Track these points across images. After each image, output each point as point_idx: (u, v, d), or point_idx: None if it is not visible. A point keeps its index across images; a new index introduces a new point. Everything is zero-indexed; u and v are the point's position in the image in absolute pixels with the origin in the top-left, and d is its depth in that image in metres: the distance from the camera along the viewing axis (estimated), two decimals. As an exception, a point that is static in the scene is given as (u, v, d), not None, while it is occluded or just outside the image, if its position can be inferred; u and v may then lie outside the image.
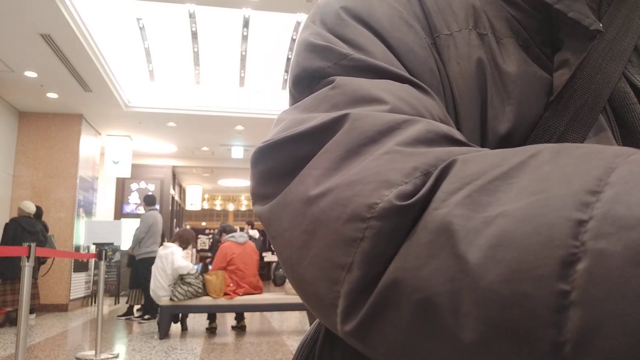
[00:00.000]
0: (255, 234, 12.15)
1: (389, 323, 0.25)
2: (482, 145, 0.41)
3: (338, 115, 0.33)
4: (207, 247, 19.08)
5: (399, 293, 0.24)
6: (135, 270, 6.74)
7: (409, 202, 0.26)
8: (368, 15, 0.42)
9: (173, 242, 5.77)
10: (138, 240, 6.68)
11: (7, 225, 6.42)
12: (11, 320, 6.17)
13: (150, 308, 6.50)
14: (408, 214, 0.26)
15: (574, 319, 0.18)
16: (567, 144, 0.25)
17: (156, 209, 7.06)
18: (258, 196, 0.36)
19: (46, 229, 6.75)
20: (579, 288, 0.18)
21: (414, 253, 0.24)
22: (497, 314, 0.20)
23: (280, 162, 0.35)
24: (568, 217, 0.20)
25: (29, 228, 6.53)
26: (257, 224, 13.42)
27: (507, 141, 0.41)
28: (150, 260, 5.87)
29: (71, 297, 7.82)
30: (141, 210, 8.26)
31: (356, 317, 0.26)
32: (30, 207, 6.66)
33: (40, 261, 6.54)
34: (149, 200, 7.11)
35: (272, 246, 0.34)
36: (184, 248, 5.67)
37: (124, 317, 6.78)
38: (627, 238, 0.18)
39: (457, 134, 0.32)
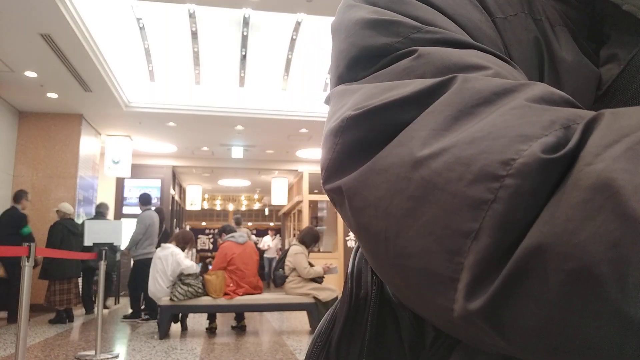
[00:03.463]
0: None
1: (530, 297, 0.21)
2: None
3: (445, 78, 0.29)
4: (207, 247, 19.10)
5: (545, 261, 0.21)
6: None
7: (557, 155, 0.22)
8: None
9: (170, 242, 5.73)
10: (135, 242, 6.63)
11: (52, 227, 6.44)
12: (61, 319, 6.23)
13: (149, 308, 6.49)
14: (554, 170, 0.22)
15: None
16: None
17: (151, 209, 7.02)
18: (338, 169, 0.32)
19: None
20: None
21: (564, 215, 0.21)
22: None
23: (375, 130, 0.30)
24: None
25: (73, 230, 6.56)
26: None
27: None
28: (147, 262, 5.84)
29: (71, 297, 7.81)
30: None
31: (486, 291, 0.23)
32: (69, 209, 6.69)
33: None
34: (144, 200, 7.02)
35: (354, 219, 0.31)
36: (183, 249, 5.64)
37: (128, 320, 6.69)
38: None
39: (577, 102, 0.28)
